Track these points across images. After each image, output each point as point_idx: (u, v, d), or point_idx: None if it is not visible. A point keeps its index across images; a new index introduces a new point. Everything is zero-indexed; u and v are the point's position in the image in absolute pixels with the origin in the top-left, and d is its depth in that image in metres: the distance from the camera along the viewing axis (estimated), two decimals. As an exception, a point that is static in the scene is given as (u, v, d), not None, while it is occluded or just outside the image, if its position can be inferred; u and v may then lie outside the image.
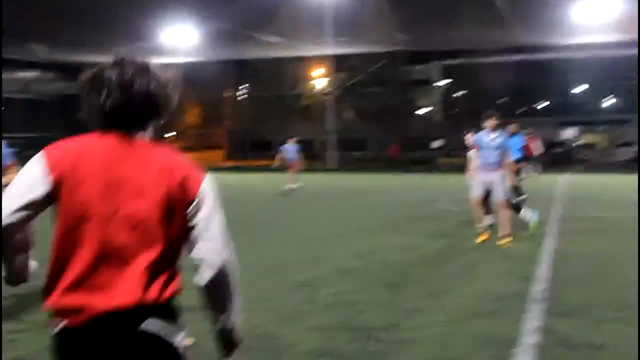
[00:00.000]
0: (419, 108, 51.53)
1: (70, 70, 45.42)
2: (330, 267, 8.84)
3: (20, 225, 2.27)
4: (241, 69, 48.64)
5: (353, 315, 6.35)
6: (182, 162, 2.38)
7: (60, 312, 2.26)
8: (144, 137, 2.38)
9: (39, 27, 36.16)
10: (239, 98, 54.62)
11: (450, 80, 51.31)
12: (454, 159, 41.17)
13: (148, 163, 2.33)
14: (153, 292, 2.27)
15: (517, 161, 15.97)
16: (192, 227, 2.34)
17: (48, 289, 2.26)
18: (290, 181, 21.75)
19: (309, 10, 41.44)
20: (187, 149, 52.65)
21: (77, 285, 2.23)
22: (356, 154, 44.33)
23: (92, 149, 2.32)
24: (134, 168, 2.31)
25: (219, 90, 51.53)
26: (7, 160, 5.90)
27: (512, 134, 16.45)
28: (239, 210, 14.98)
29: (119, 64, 2.39)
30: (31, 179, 2.26)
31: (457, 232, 11.76)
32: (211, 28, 41.69)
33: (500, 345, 5.38)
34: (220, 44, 41.87)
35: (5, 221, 2.23)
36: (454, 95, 51.66)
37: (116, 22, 39.58)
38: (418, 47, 41.65)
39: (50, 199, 2.26)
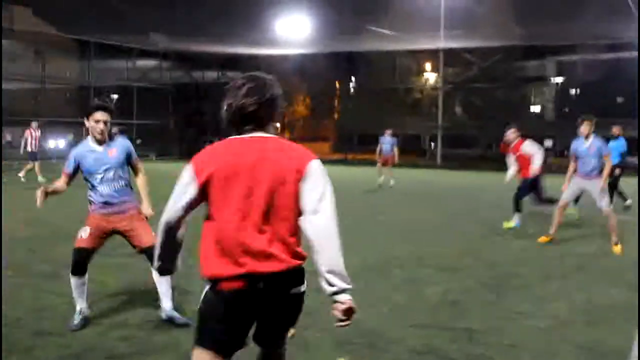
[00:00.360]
0: (531, 105, 50.24)
1: (187, 60, 46.72)
2: (434, 265, 8.81)
3: (181, 219, 3.19)
4: (352, 61, 48.68)
5: (456, 315, 6.33)
6: (295, 148, 3.19)
7: (218, 279, 3.05)
8: (266, 133, 3.19)
9: (159, 17, 37.40)
10: (348, 90, 54.78)
11: (565, 77, 49.76)
12: (566, 160, 39.91)
13: (271, 152, 3.10)
14: (291, 257, 3.07)
15: (616, 166, 15.45)
16: (303, 196, 3.06)
17: (208, 263, 3.08)
18: (387, 175, 21.63)
19: (422, 3, 41.12)
20: (295, 139, 53.16)
21: (230, 257, 3.03)
22: (465, 151, 43.70)
23: (229, 149, 3.15)
24: (261, 158, 3.08)
25: (328, 82, 51.83)
26: (134, 157, 6.08)
27: (615, 137, 15.85)
28: (338, 204, 15.07)
29: (249, 80, 3.20)
30: (184, 184, 3.12)
31: (566, 235, 11.46)
32: (324, 20, 42.04)
33: (608, 356, 5.24)
34: (332, 36, 42.13)
35: (172, 216, 3.17)
36: (569, 92, 50.07)
37: (231, 14, 40.45)
38: (534, 41, 40.57)
39: (200, 197, 3.11)
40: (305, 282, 3.15)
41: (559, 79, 50.51)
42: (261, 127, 3.18)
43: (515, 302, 6.85)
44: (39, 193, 5.64)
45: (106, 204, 5.83)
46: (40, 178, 21.88)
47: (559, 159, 41.00)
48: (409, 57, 47.31)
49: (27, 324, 5.80)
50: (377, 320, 6.09)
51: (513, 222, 12.46)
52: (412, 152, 44.64)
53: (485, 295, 7.16)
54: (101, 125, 5.73)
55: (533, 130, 44.96)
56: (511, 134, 12.73)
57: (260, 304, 3.07)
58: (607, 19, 35.06)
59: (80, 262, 5.83)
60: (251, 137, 3.16)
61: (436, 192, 21.01)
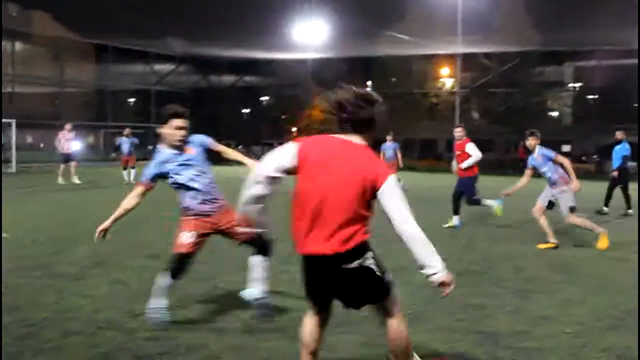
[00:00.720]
0: (549, 110, 50.01)
1: (204, 64, 46.83)
2: (455, 269, 8.73)
3: (269, 178, 3.90)
4: (368, 66, 48.68)
5: (480, 319, 6.30)
6: (374, 160, 3.89)
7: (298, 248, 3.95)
8: (357, 140, 3.92)
9: (177, 22, 37.59)
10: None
11: (582, 82, 49.52)
12: (583, 165, 39.68)
13: (355, 156, 3.85)
14: (343, 243, 3.81)
15: (617, 169, 15.82)
16: (385, 205, 3.85)
17: (293, 236, 3.97)
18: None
19: (440, 8, 41.06)
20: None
21: (298, 232, 3.90)
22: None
23: (324, 143, 3.93)
24: (345, 158, 3.83)
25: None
26: (211, 143, 6.17)
27: (618, 142, 16.13)
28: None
29: (351, 95, 3.91)
30: (285, 151, 3.90)
31: (587, 240, 11.40)
32: (341, 25, 42.05)
33: (635, 360, 5.21)
34: (348, 40, 42.15)
35: (264, 169, 3.90)
36: (586, 97, 49.80)
37: (249, 19, 40.53)
38: (551, 47, 40.47)
39: (292, 170, 3.88)
40: (364, 257, 3.93)
41: (577, 85, 50.28)
42: (358, 133, 3.94)
43: (539, 307, 6.81)
44: (100, 232, 5.66)
45: (203, 203, 5.81)
46: (60, 180, 21.98)
47: (576, 164, 40.85)
48: (426, 61, 47.21)
49: (53, 325, 5.84)
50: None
51: (453, 221, 13.35)
52: (429, 156, 44.56)
53: (509, 299, 7.13)
54: (183, 132, 5.80)
55: (551, 135, 44.92)
56: (458, 132, 13.76)
57: (324, 274, 3.94)
58: (624, 25, 34.95)
59: (185, 267, 5.83)
60: (345, 139, 3.93)
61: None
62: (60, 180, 22.01)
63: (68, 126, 23.21)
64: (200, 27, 37.86)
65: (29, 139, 45.29)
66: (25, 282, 7.43)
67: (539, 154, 10.94)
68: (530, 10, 40.95)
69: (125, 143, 23.77)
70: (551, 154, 10.85)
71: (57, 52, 42.81)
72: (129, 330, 5.69)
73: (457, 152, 13.59)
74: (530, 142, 11.06)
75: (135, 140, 24.52)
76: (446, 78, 49.74)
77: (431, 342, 5.59)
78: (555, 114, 51.39)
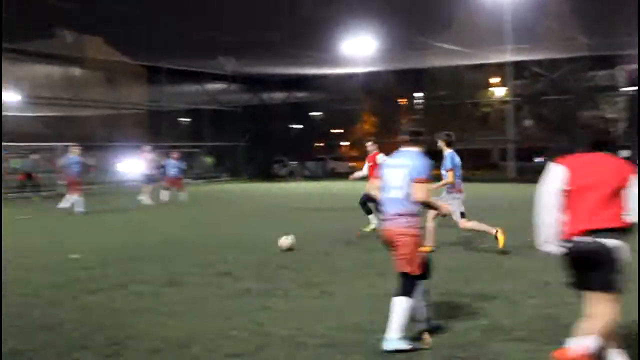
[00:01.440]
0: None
1: (255, 81, 47.28)
2: (526, 279, 8.72)
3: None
4: (418, 78, 48.51)
5: (557, 329, 6.27)
6: (623, 163, 4.82)
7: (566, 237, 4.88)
8: (608, 153, 4.89)
9: (227, 41, 38.05)
10: (415, 107, 54.48)
11: (637, 86, 48.50)
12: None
13: (609, 164, 4.80)
14: (610, 221, 4.67)
15: None
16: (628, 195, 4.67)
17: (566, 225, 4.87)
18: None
19: (487, 17, 40.86)
20: (361, 158, 53.10)
21: (574, 222, 4.80)
22: (536, 163, 43.03)
23: (586, 158, 4.91)
24: (604, 167, 4.78)
25: (395, 100, 51.80)
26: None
27: None
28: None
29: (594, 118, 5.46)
30: (557, 176, 4.82)
31: None
32: (389, 38, 42.12)
33: None
34: (397, 53, 42.18)
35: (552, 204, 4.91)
36: (642, 102, 48.75)
37: (298, 35, 40.85)
38: (601, 51, 39.91)
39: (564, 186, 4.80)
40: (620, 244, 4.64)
41: (632, 89, 49.30)
42: (606, 149, 4.92)
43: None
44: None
45: None
46: (145, 199, 22.23)
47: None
48: (476, 71, 46.93)
49: (138, 343, 6.00)
50: (476, 333, 6.09)
51: (371, 225, 13.70)
52: (482, 166, 44.22)
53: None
54: None
55: (606, 140, 44.11)
56: (370, 145, 14.49)
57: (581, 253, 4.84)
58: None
59: None
60: (601, 154, 4.87)
61: (510, 205, 20.64)
62: (159, 198, 22.38)
63: (147, 148, 23.70)
64: (250, 46, 38.34)
65: (90, 161, 46.21)
66: (105, 301, 7.64)
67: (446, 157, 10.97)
68: (578, 15, 40.54)
69: (172, 166, 23.91)
70: (446, 165, 10.93)
71: (109, 75, 43.69)
72: (213, 347, 5.82)
73: (369, 164, 14.22)
74: (440, 144, 11.11)
75: (183, 165, 24.69)
76: (496, 87, 49.38)
77: (511, 353, 5.61)
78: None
